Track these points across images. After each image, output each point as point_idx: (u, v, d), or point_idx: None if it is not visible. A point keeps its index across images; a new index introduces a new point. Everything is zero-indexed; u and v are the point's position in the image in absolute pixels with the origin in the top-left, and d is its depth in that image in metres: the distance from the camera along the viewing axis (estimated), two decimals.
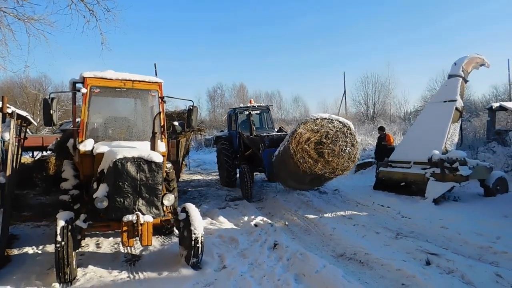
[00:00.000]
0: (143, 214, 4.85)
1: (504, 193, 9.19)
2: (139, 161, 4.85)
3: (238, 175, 12.55)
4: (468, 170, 8.60)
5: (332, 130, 8.07)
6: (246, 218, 8.37)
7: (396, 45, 71.60)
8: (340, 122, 8.23)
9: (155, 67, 20.30)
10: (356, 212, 8.48)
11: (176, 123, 6.49)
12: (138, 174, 4.84)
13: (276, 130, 13.26)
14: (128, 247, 6.25)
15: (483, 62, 10.63)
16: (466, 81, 10.33)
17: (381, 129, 13.10)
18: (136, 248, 6.35)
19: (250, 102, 13.62)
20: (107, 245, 6.65)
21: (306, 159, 7.72)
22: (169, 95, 6.48)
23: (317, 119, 8.11)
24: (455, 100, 9.79)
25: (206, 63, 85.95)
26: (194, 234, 5.24)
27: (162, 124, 6.38)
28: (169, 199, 5.28)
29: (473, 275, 4.71)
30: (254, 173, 11.94)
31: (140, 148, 5.19)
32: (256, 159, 11.01)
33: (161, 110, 6.32)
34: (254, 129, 11.77)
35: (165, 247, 6.44)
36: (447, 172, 8.65)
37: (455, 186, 8.62)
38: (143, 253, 6.14)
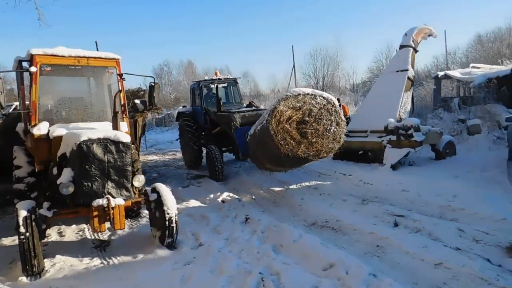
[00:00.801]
0: (113, 197, 4.62)
1: (452, 155, 9.79)
2: (105, 142, 4.59)
3: (205, 154, 11.72)
4: (421, 136, 9.03)
5: (316, 107, 7.03)
6: (212, 195, 8.29)
7: (344, 21, 72.51)
8: (324, 98, 7.19)
9: (96, 45, 19.09)
10: (320, 182, 8.68)
11: (137, 101, 6.20)
12: (106, 156, 4.58)
13: (244, 105, 12.21)
14: (96, 233, 5.98)
15: (431, 32, 11.06)
16: (416, 51, 10.72)
17: (337, 100, 13.37)
18: (103, 233, 6.09)
19: (216, 74, 12.28)
20: (71, 232, 6.32)
21: (287, 141, 6.82)
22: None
23: (298, 94, 7.04)
24: (407, 70, 10.15)
25: (152, 37, 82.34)
26: (168, 214, 5.10)
27: (122, 103, 6.06)
28: (139, 180, 5.09)
29: (438, 232, 5.02)
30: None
31: (104, 129, 4.91)
32: (226, 137, 10.13)
33: (120, 88, 5.99)
34: (222, 104, 10.67)
35: (134, 230, 6.23)
36: (403, 139, 9.03)
37: (410, 151, 9.04)
38: (112, 237, 5.91)
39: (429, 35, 11.08)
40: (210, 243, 5.36)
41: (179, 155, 16.28)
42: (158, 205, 5.29)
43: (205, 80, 12.07)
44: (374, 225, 5.53)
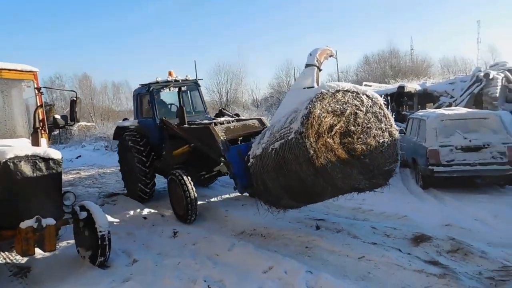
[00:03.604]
0: (43, 217, 4.38)
1: None
2: (34, 159, 4.34)
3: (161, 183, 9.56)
4: None
5: (361, 111, 4.88)
6: (132, 212, 8.10)
7: (246, 34, 75.08)
8: (368, 97, 5.06)
9: None
10: (239, 194, 9.01)
11: (58, 116, 5.87)
12: (35, 173, 4.33)
13: (211, 115, 9.64)
14: (10, 258, 5.49)
15: (331, 53, 12.28)
16: (320, 70, 11.79)
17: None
18: (18, 259, 5.61)
19: (170, 74, 9.18)
20: None
21: (334, 164, 4.55)
22: None
23: (337, 91, 4.83)
24: (313, 87, 11.13)
25: (41, 50, 75.39)
26: (100, 232, 4.94)
27: (42, 118, 5.71)
28: (69, 199, 4.86)
29: (356, 230, 5.69)
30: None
31: (26, 146, 4.64)
32: (200, 159, 7.70)
33: (39, 103, 5.65)
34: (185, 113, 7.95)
35: (54, 253, 5.84)
36: None
37: None
38: (31, 262, 5.47)
39: (330, 56, 12.29)
40: (144, 259, 5.31)
41: (83, 173, 15.37)
42: (88, 223, 5.09)
43: (157, 82, 8.94)
44: (299, 229, 6.02)
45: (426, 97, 16.93)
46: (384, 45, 63.69)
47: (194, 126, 7.71)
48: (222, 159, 6.56)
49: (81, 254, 5.32)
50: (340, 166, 4.58)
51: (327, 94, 4.77)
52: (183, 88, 9.21)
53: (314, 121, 4.54)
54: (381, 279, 4.18)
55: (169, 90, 9.20)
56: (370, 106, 4.98)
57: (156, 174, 9.05)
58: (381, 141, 4.93)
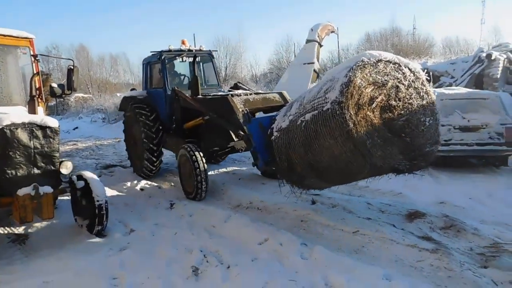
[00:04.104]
0: (41, 185, 4.39)
1: None
2: (31, 127, 4.32)
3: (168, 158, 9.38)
4: None
5: (403, 85, 4.38)
6: (129, 184, 8.15)
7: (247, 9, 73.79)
8: (411, 70, 4.50)
9: None
10: (237, 168, 9.06)
11: (54, 84, 5.81)
12: (32, 141, 4.32)
13: (225, 89, 9.19)
14: (8, 227, 5.55)
15: (333, 29, 12.18)
16: (321, 46, 11.73)
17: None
18: (16, 227, 5.66)
19: (184, 43, 8.64)
20: None
21: (374, 140, 4.12)
22: None
23: (380, 60, 4.32)
24: (313, 63, 11.08)
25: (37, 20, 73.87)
26: (98, 201, 4.97)
27: (38, 87, 5.65)
28: (67, 167, 4.86)
29: (351, 206, 5.75)
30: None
31: (24, 113, 4.61)
32: (214, 134, 7.15)
33: (36, 70, 5.57)
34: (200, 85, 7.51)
35: (52, 221, 5.89)
36: None
37: None
38: (29, 230, 5.52)
39: (332, 32, 12.18)
40: (141, 229, 5.38)
41: (80, 144, 15.39)
42: (85, 193, 5.12)
43: (170, 51, 8.33)
44: (295, 203, 6.05)
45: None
46: (386, 23, 63.06)
47: (210, 96, 7.13)
48: (241, 133, 5.95)
49: (79, 223, 5.37)
50: (381, 143, 4.14)
51: (368, 63, 4.23)
52: (196, 59, 8.38)
53: (354, 90, 4.04)
54: (374, 253, 4.24)
55: (182, 60, 8.59)
56: (412, 81, 4.46)
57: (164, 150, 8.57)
58: (422, 119, 4.46)
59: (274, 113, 5.89)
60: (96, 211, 4.98)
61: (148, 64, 8.95)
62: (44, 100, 5.81)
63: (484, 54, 14.37)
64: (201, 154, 6.65)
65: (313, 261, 4.05)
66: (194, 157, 6.57)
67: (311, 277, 3.73)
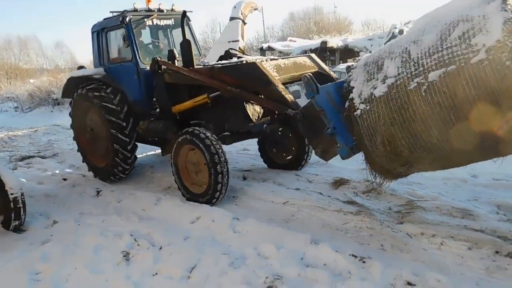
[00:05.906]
0: None
1: None
2: None
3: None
4: None
5: None
6: (50, 173, 7.66)
7: None
8: None
9: None
10: (159, 151, 8.84)
11: None
12: None
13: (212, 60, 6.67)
14: None
15: (256, 7, 12.15)
16: (245, 23, 11.65)
17: None
18: None
19: (148, 1, 6.53)
20: None
21: None
22: None
23: None
24: (238, 41, 11.01)
25: None
26: (12, 194, 4.57)
27: None
28: None
29: (281, 179, 5.88)
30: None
31: None
32: (220, 115, 5.57)
33: None
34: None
35: None
36: None
37: None
38: None
39: (255, 9, 12.15)
40: (65, 219, 5.08)
41: None
42: None
43: (136, 10, 6.32)
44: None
45: (348, 53, 17.58)
46: (309, 2, 64.39)
47: (228, 64, 5.26)
48: (290, 110, 4.48)
49: None
50: None
51: None
52: (168, 22, 6.76)
53: None
54: (304, 220, 4.42)
55: (152, 23, 6.63)
56: None
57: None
58: None
59: (338, 81, 4.53)
60: (11, 205, 4.59)
61: (102, 31, 6.61)
62: None
63: (397, 30, 15.32)
64: (218, 141, 5.05)
65: (245, 234, 4.13)
66: (212, 147, 4.86)
67: (243, 249, 3.80)
